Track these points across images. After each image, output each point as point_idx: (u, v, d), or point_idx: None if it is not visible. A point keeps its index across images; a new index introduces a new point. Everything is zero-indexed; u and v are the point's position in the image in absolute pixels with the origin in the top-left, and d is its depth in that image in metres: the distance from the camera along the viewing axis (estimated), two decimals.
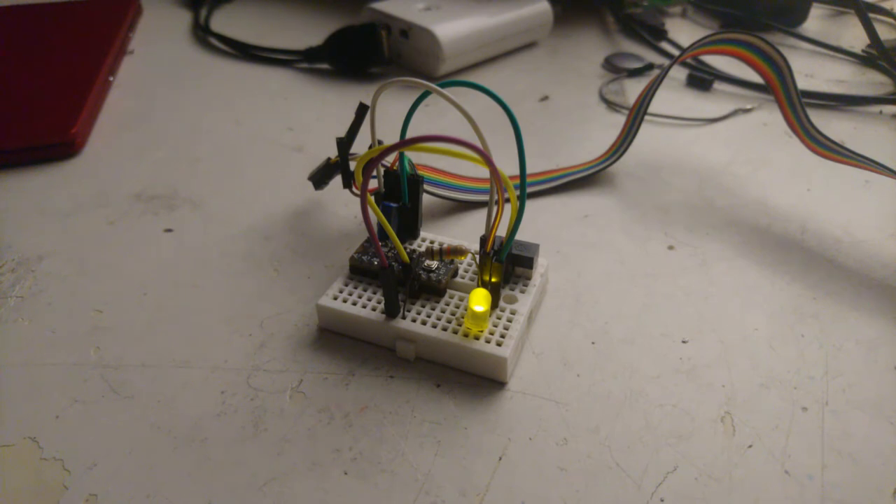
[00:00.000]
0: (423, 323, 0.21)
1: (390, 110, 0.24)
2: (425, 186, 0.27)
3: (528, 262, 0.22)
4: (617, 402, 0.20)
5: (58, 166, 0.32)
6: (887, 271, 0.26)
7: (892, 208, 0.30)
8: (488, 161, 0.17)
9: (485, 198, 0.30)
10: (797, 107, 0.30)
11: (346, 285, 0.23)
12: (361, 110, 0.23)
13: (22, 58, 0.40)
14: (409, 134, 0.22)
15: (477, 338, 0.20)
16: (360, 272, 0.23)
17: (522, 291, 0.22)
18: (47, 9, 0.47)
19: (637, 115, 0.31)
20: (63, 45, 0.42)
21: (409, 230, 0.25)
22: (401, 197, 0.24)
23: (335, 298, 0.22)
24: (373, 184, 0.24)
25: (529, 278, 0.23)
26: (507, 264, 0.22)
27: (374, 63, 0.41)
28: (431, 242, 0.25)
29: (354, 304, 0.22)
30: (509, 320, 0.21)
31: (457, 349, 0.21)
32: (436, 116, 0.37)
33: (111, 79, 0.40)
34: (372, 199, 0.21)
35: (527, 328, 0.22)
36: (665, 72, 0.30)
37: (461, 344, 0.20)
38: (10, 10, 0.47)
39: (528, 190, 0.30)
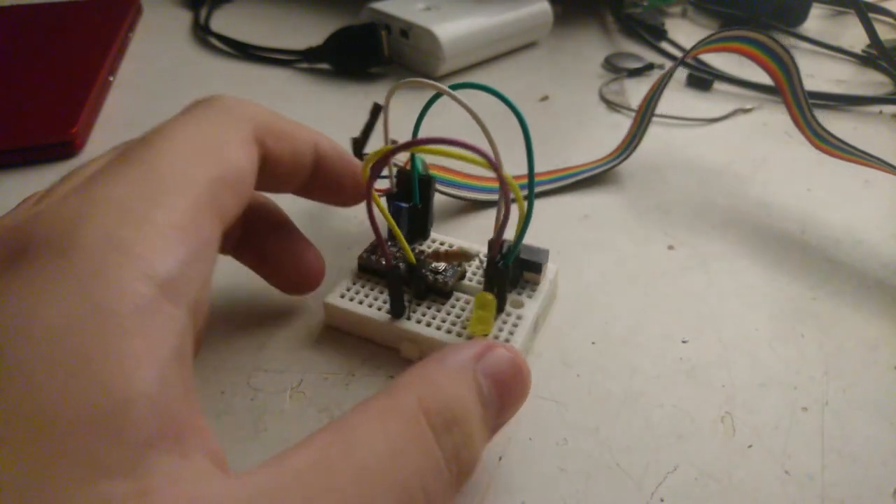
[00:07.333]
0: (428, 325, 0.21)
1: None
2: (438, 186, 0.27)
3: (538, 268, 0.22)
4: (617, 402, 0.20)
5: (58, 166, 0.32)
6: (887, 271, 0.26)
7: (892, 208, 0.30)
8: (494, 166, 0.17)
9: (497, 197, 0.29)
10: (803, 104, 0.30)
11: (354, 283, 0.23)
12: (376, 110, 0.23)
13: (22, 58, 0.40)
14: (420, 134, 0.22)
15: None
16: (368, 271, 0.23)
17: (529, 297, 0.22)
18: (47, 9, 0.47)
19: (645, 115, 0.31)
20: (63, 45, 0.42)
21: (419, 231, 0.25)
22: (412, 197, 0.24)
23: (342, 297, 0.22)
24: (384, 184, 0.24)
25: (538, 283, 0.23)
26: (516, 269, 0.22)
27: (374, 63, 0.41)
28: (441, 244, 0.25)
29: (361, 302, 0.22)
30: (514, 325, 0.21)
31: None
32: (433, 116, 0.37)
33: (111, 79, 0.40)
34: (380, 199, 0.21)
35: (533, 334, 0.22)
36: (672, 69, 0.30)
37: None
38: (10, 10, 0.47)
39: (534, 191, 0.30)
